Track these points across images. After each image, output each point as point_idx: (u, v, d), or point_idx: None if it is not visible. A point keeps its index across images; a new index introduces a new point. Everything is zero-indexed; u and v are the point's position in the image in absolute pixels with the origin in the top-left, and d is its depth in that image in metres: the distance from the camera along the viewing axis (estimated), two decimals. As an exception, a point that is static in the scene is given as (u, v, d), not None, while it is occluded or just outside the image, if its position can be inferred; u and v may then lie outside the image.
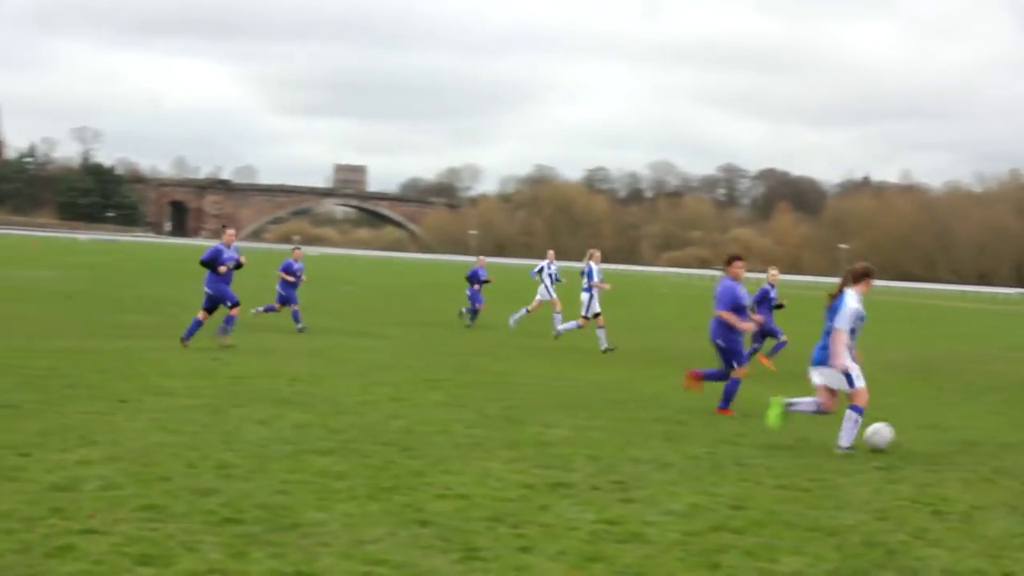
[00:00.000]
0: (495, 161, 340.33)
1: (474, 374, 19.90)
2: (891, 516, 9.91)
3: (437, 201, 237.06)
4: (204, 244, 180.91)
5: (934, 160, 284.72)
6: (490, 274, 34.19)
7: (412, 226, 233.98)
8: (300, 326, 27.28)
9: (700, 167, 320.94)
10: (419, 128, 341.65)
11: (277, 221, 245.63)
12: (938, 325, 50.72)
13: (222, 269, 22.29)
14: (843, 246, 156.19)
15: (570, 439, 13.22)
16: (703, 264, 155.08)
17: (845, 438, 13.33)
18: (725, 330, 16.47)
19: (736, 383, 16.52)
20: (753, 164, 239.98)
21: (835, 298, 13.69)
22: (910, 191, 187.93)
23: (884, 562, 8.41)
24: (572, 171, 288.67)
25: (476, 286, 33.21)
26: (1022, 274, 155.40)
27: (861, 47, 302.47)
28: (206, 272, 22.48)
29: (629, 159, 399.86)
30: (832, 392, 13.75)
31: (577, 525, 9.05)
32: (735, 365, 16.47)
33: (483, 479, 10.63)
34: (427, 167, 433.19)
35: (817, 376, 13.85)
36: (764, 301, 24.74)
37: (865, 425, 13.55)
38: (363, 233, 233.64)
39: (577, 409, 15.88)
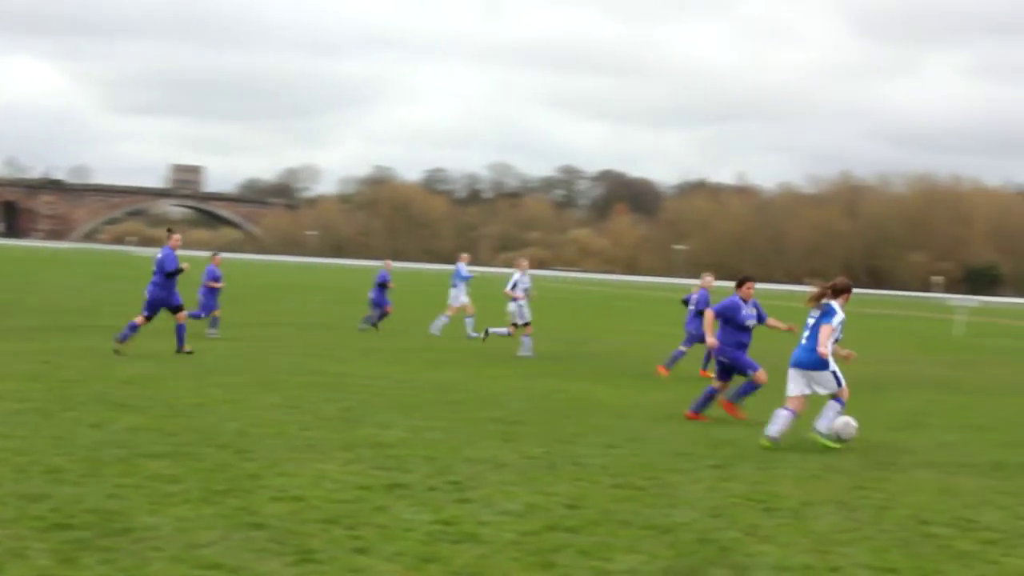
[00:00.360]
0: (334, 162, 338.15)
1: (310, 375, 19.71)
2: (724, 513, 10.04)
3: (275, 202, 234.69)
4: (38, 245, 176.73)
5: (768, 162, 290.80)
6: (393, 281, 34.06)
7: (250, 227, 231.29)
8: (213, 332, 27.34)
9: (539, 168, 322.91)
10: (257, 128, 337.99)
11: (112, 222, 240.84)
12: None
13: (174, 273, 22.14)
14: (679, 247, 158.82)
15: (406, 440, 13.16)
16: (541, 265, 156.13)
17: (823, 424, 14.27)
18: (727, 347, 16.59)
19: (753, 385, 16.74)
20: (591, 165, 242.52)
21: (819, 305, 14.50)
22: (744, 192, 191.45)
23: (717, 559, 8.52)
24: (411, 172, 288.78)
25: (381, 289, 33.23)
26: (851, 274, 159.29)
27: (698, 51, 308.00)
28: (150, 278, 22.33)
29: (469, 160, 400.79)
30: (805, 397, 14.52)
31: (413, 526, 8.99)
32: (750, 372, 16.73)
33: (319, 481, 10.52)
34: (265, 168, 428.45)
35: (801, 381, 14.54)
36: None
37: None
38: (200, 234, 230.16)
39: (414, 410, 15.82)
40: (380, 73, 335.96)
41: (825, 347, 14.22)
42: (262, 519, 8.97)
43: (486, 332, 27.99)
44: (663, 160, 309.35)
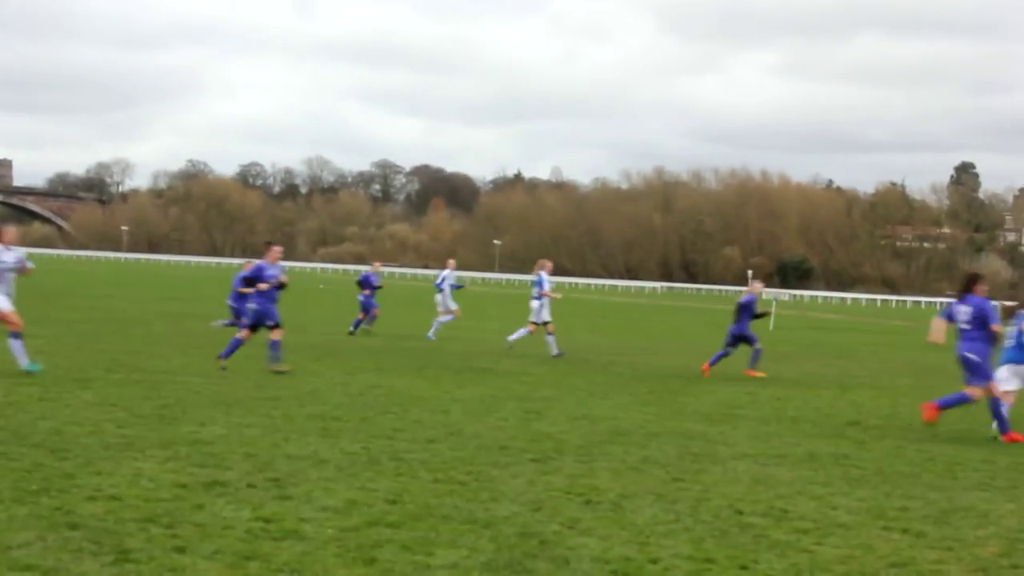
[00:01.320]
0: (147, 156, 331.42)
1: (127, 372, 19.31)
2: (544, 507, 10.11)
3: (87, 196, 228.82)
4: None
5: (583, 158, 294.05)
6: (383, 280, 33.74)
7: (61, 222, 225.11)
8: None
9: (355, 163, 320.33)
10: (68, 122, 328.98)
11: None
12: (589, 318, 52.40)
13: (263, 286, 20.96)
14: (497, 242, 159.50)
15: (225, 437, 12.97)
16: (359, 260, 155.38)
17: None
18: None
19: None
20: (408, 161, 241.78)
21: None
22: (561, 188, 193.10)
23: (537, 552, 8.56)
24: (227, 166, 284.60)
25: (368, 291, 33.21)
26: (666, 269, 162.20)
27: (514, 47, 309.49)
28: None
29: (284, 155, 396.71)
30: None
31: (233, 524, 8.87)
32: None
33: (135, 479, 10.31)
34: (76, 162, 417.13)
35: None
36: (746, 309, 25.60)
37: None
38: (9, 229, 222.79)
39: (232, 406, 15.61)
40: (194, 67, 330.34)
41: None
42: (78, 519, 8.76)
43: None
44: (479, 156, 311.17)
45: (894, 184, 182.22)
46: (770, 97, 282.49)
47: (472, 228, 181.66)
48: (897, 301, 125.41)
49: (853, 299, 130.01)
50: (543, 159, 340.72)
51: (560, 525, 9.45)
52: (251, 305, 21.33)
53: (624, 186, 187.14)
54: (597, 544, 8.90)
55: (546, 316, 27.91)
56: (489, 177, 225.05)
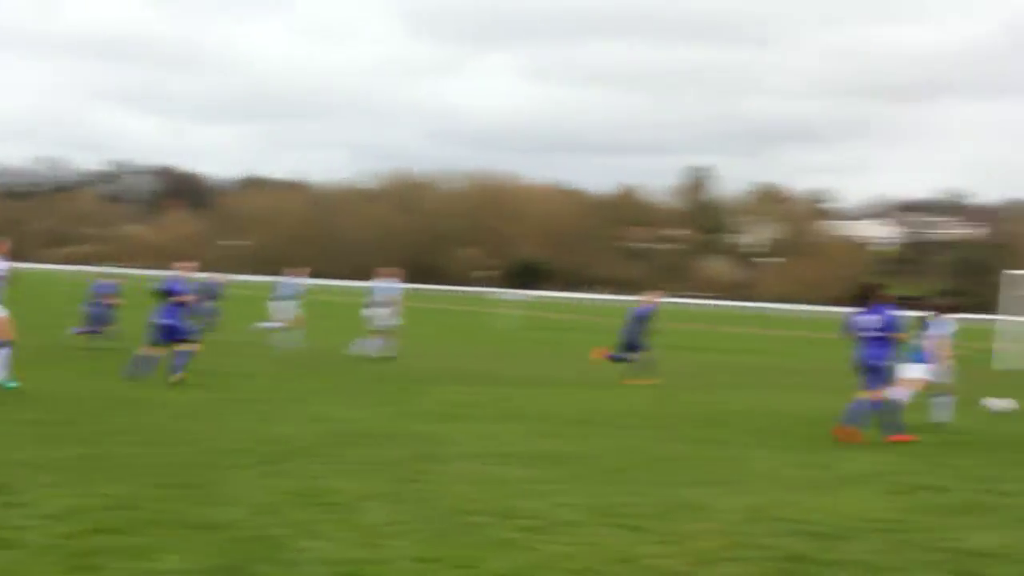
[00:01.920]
0: None
1: None
2: (273, 509, 10.03)
3: None
4: None
5: (325, 158, 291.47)
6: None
7: None
8: None
9: (92, 162, 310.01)
10: None
11: None
12: (329, 319, 52.04)
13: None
14: (237, 242, 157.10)
15: (-58, 444, 12.47)
16: (94, 260, 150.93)
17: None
18: None
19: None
20: (146, 160, 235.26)
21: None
22: (302, 188, 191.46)
23: (266, 555, 8.50)
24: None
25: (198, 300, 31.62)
26: (408, 270, 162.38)
27: (254, 46, 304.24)
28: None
29: (18, 154, 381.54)
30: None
31: (-54, 535, 8.54)
32: None
33: None
34: None
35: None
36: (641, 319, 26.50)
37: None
38: None
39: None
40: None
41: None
42: None
43: (356, 346, 28.95)
44: (221, 155, 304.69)
45: (629, 186, 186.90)
46: (511, 100, 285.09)
47: (212, 228, 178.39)
48: (630, 301, 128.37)
49: (589, 299, 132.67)
50: (286, 159, 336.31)
51: (290, 528, 9.40)
52: None
53: (366, 187, 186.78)
54: (327, 546, 8.88)
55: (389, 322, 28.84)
56: (230, 177, 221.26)
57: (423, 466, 12.78)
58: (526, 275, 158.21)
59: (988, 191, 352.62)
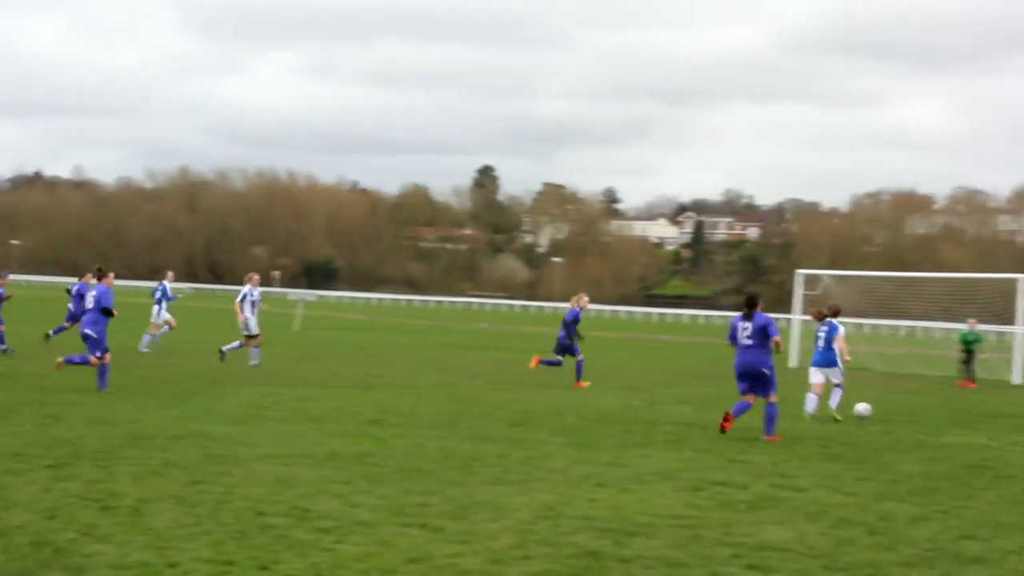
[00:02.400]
0: None
1: None
2: (60, 514, 9.77)
3: None
4: None
5: (106, 156, 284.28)
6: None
7: None
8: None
9: None
10: None
11: None
12: (112, 320, 50.75)
13: None
14: (15, 241, 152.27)
15: None
16: None
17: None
18: None
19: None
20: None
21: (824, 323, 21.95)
22: (83, 187, 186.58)
23: (51, 561, 8.27)
24: None
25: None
26: (192, 270, 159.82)
27: (32, 42, 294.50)
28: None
29: None
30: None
31: None
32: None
33: None
34: None
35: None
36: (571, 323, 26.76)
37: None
38: None
39: None
40: None
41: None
42: None
43: (221, 352, 28.32)
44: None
45: (418, 186, 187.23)
46: (295, 98, 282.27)
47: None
48: (420, 301, 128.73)
49: (378, 299, 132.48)
50: (64, 157, 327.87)
51: (76, 532, 9.18)
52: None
53: (149, 186, 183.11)
54: (114, 550, 8.68)
55: (255, 328, 28.62)
56: (6, 175, 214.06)
57: (216, 468, 12.58)
58: (316, 275, 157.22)
59: (767, 192, 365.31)
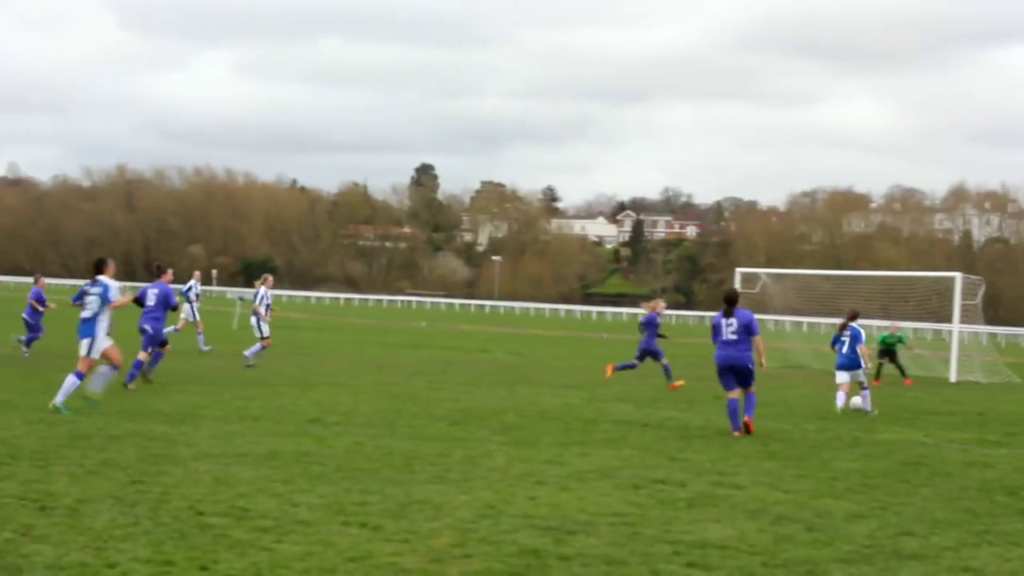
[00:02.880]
0: None
1: None
2: (-3, 514, 9.68)
3: None
4: None
5: (40, 153, 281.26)
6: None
7: None
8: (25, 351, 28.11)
9: None
10: None
11: None
12: (46, 320, 50.28)
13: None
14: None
15: None
16: None
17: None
18: None
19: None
20: None
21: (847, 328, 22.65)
22: (19, 185, 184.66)
23: (-12, 563, 8.19)
24: None
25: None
26: (130, 268, 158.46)
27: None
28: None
29: None
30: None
31: None
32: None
33: None
34: None
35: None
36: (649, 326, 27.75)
37: None
38: None
39: None
40: None
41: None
42: None
43: (247, 359, 28.09)
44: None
45: (357, 184, 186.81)
46: (233, 96, 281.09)
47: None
48: (359, 299, 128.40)
49: (317, 297, 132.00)
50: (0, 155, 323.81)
51: (13, 533, 9.10)
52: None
53: (86, 184, 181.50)
54: (52, 551, 8.61)
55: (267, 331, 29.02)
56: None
57: (155, 467, 12.50)
58: (255, 273, 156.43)
59: (705, 191, 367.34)
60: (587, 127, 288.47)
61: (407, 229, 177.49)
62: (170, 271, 23.97)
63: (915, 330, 68.94)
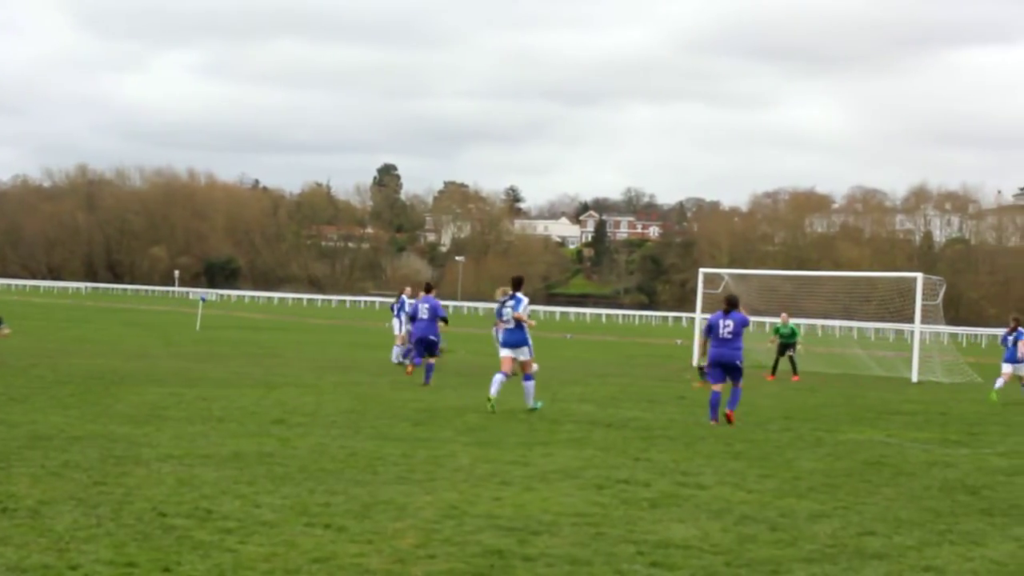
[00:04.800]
0: None
1: None
2: (-44, 517, 9.60)
3: None
4: None
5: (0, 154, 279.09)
6: None
7: None
8: None
9: None
10: None
11: None
12: (9, 320, 49.98)
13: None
14: None
15: None
16: None
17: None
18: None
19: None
20: None
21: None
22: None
23: (-52, 566, 8.12)
24: None
25: None
26: (91, 269, 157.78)
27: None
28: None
29: None
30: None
31: None
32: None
33: None
34: None
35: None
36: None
37: None
38: None
39: None
40: None
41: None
42: None
43: (404, 364, 29.85)
44: None
45: (319, 184, 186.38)
46: (194, 97, 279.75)
47: None
48: (322, 300, 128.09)
49: (280, 298, 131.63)
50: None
51: (-27, 536, 9.01)
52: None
53: (47, 184, 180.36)
54: (14, 553, 8.55)
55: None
56: None
57: (117, 469, 12.43)
58: (217, 274, 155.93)
59: (668, 192, 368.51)
60: (546, 128, 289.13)
61: (370, 229, 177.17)
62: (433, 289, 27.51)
63: (877, 329, 69.41)
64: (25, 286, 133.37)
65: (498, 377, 20.52)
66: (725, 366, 19.85)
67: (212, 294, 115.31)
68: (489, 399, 20.22)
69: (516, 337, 21.09)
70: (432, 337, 26.18)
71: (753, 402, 23.08)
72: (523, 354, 21.12)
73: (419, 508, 11.03)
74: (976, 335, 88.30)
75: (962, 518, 11.85)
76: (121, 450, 13.80)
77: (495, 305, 21.93)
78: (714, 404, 19.76)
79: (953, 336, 58.96)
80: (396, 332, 33.86)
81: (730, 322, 19.81)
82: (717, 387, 19.87)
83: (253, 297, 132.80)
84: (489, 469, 13.69)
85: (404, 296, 34.24)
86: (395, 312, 34.15)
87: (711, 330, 20.05)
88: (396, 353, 32.99)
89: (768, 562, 9.44)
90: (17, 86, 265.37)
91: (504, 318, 21.27)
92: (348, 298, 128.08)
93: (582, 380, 28.74)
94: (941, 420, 22.85)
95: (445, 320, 26.81)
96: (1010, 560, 9.97)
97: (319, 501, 11.13)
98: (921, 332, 37.85)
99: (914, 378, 36.18)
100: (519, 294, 21.33)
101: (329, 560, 8.87)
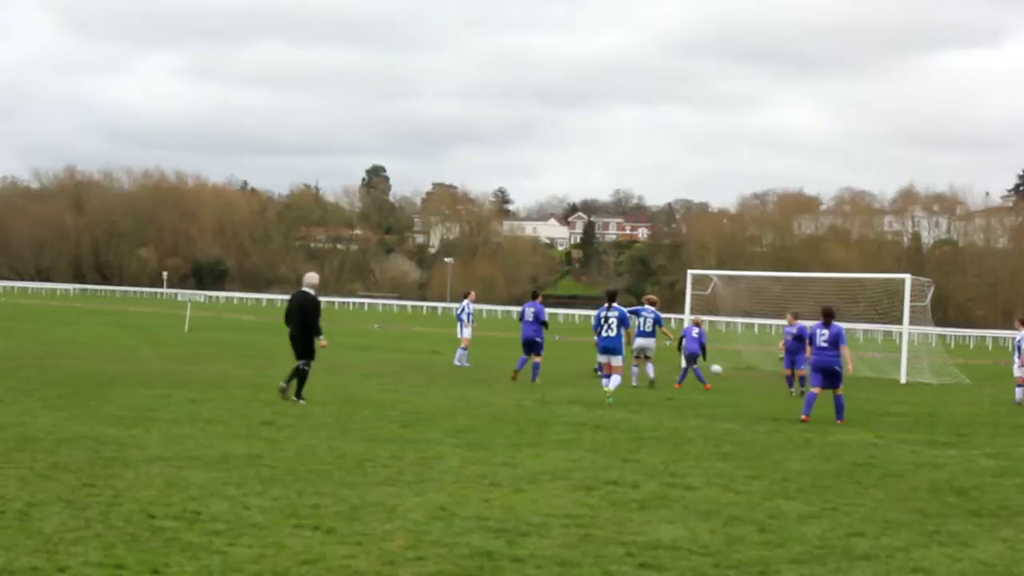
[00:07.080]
0: None
1: None
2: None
3: None
4: None
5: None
6: None
7: None
8: None
9: None
10: None
11: None
12: (2, 321, 49.97)
13: None
14: None
15: None
16: None
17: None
18: None
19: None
20: None
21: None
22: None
23: (-64, 568, 8.11)
24: None
25: None
26: (79, 271, 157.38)
27: None
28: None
29: None
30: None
31: None
32: None
33: None
34: None
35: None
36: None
37: None
38: None
39: None
40: None
41: None
42: None
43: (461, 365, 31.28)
44: None
45: (308, 186, 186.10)
46: (180, 98, 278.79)
47: None
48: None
49: (268, 300, 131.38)
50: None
51: (-39, 538, 9.00)
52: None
53: (34, 185, 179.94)
54: (2, 555, 8.57)
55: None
56: None
57: (106, 470, 12.43)
58: (205, 275, 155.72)
59: (656, 193, 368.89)
60: (534, 129, 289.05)
61: (358, 231, 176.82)
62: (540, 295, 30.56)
63: (865, 331, 69.49)
64: (13, 288, 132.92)
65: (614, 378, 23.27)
66: (825, 371, 21.94)
67: (203, 295, 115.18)
68: (607, 391, 23.09)
69: (616, 344, 23.60)
70: (537, 339, 28.90)
71: (740, 404, 23.04)
72: (616, 361, 23.55)
73: (408, 510, 11.04)
74: (964, 336, 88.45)
75: (950, 519, 11.89)
76: (110, 452, 13.79)
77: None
78: (809, 402, 21.86)
79: (941, 337, 59.03)
80: (459, 335, 34.14)
81: (827, 332, 22.05)
82: (816, 389, 22.01)
83: (242, 298, 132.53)
84: (478, 471, 13.70)
85: (468, 300, 34.48)
86: (459, 316, 34.27)
87: (811, 339, 22.53)
88: (460, 356, 33.48)
89: (757, 563, 9.46)
90: (3, 88, 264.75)
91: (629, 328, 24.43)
92: (336, 299, 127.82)
93: (571, 382, 28.74)
94: (929, 421, 22.89)
95: (545, 324, 29.59)
96: (998, 561, 10.01)
97: (308, 503, 11.14)
98: (909, 333, 37.88)
99: (902, 379, 36.19)
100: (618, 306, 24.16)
101: (318, 562, 8.87)
